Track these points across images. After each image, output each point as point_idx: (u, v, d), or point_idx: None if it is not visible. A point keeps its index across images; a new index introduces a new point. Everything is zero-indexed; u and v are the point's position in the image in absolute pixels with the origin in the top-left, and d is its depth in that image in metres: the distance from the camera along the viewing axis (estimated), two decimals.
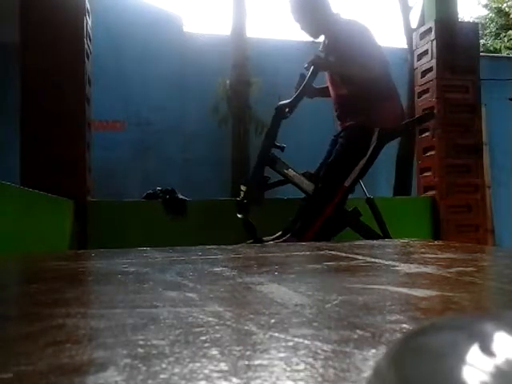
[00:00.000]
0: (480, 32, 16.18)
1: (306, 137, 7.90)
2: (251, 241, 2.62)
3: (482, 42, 16.01)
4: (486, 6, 17.34)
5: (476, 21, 16.27)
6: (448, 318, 0.27)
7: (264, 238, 2.62)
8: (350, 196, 2.84)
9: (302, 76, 2.67)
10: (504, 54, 15.21)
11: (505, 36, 16.32)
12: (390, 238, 2.58)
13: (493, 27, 17.05)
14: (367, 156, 2.61)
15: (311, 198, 2.66)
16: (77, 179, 2.82)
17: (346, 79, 2.71)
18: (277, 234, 2.66)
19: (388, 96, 2.71)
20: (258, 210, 2.72)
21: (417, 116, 3.38)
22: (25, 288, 0.86)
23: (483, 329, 0.22)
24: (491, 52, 15.16)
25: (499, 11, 16.98)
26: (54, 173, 2.72)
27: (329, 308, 0.56)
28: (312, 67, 2.61)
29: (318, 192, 2.65)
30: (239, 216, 2.68)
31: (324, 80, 2.93)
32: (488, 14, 17.51)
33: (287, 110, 2.64)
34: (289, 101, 2.65)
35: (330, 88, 2.85)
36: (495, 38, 16.56)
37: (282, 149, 2.72)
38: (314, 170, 2.81)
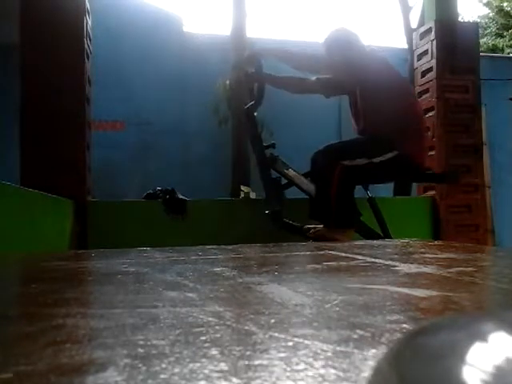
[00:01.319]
0: (480, 32, 16.20)
1: (306, 137, 7.90)
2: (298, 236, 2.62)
3: (483, 40, 16.03)
4: (487, 4, 17.30)
5: (478, 20, 16.28)
6: (448, 318, 0.27)
7: (309, 227, 2.61)
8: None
9: (248, 73, 2.73)
10: (506, 52, 15.21)
11: (506, 35, 16.33)
12: (391, 237, 2.58)
13: (493, 27, 17.05)
14: (370, 160, 2.55)
15: (313, 180, 2.64)
16: (77, 179, 2.82)
17: (365, 94, 2.68)
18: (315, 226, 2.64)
19: (418, 135, 2.69)
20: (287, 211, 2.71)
21: (443, 172, 3.25)
22: (25, 288, 0.86)
23: (483, 329, 0.22)
24: (492, 50, 15.17)
25: (500, 10, 16.96)
26: (54, 173, 2.72)
27: (329, 308, 0.56)
28: (254, 58, 2.70)
29: (315, 171, 2.63)
30: (276, 224, 2.67)
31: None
32: (489, 14, 17.50)
33: (254, 109, 2.73)
34: (253, 102, 2.72)
35: (349, 99, 2.85)
36: (496, 38, 16.55)
37: (273, 146, 2.74)
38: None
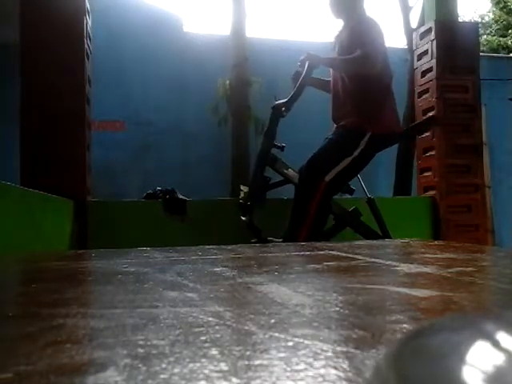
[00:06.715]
0: (485, 30, 16.11)
1: (306, 137, 7.90)
2: (255, 240, 2.61)
3: (488, 38, 16.00)
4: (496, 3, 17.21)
5: (478, 20, 16.23)
6: (448, 318, 0.27)
7: (269, 238, 2.61)
8: (349, 196, 2.83)
9: (297, 73, 2.68)
10: None
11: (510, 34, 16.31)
12: (390, 238, 2.58)
13: (495, 27, 17.01)
14: (352, 156, 2.57)
15: (295, 195, 2.65)
16: (77, 179, 2.82)
17: (348, 78, 2.70)
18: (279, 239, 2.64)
19: (385, 103, 2.69)
20: (261, 211, 2.72)
21: (416, 122, 3.36)
22: (25, 288, 0.86)
23: (483, 329, 0.22)
24: (497, 49, 15.14)
25: (503, 7, 16.89)
26: (54, 173, 2.72)
27: (329, 308, 0.56)
28: (307, 63, 2.62)
29: (299, 186, 2.63)
30: (243, 218, 2.67)
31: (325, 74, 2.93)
32: (491, 9, 17.43)
33: (283, 108, 2.65)
34: (285, 100, 2.66)
35: (331, 86, 2.84)
36: (502, 36, 16.49)
37: (281, 148, 2.72)
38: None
